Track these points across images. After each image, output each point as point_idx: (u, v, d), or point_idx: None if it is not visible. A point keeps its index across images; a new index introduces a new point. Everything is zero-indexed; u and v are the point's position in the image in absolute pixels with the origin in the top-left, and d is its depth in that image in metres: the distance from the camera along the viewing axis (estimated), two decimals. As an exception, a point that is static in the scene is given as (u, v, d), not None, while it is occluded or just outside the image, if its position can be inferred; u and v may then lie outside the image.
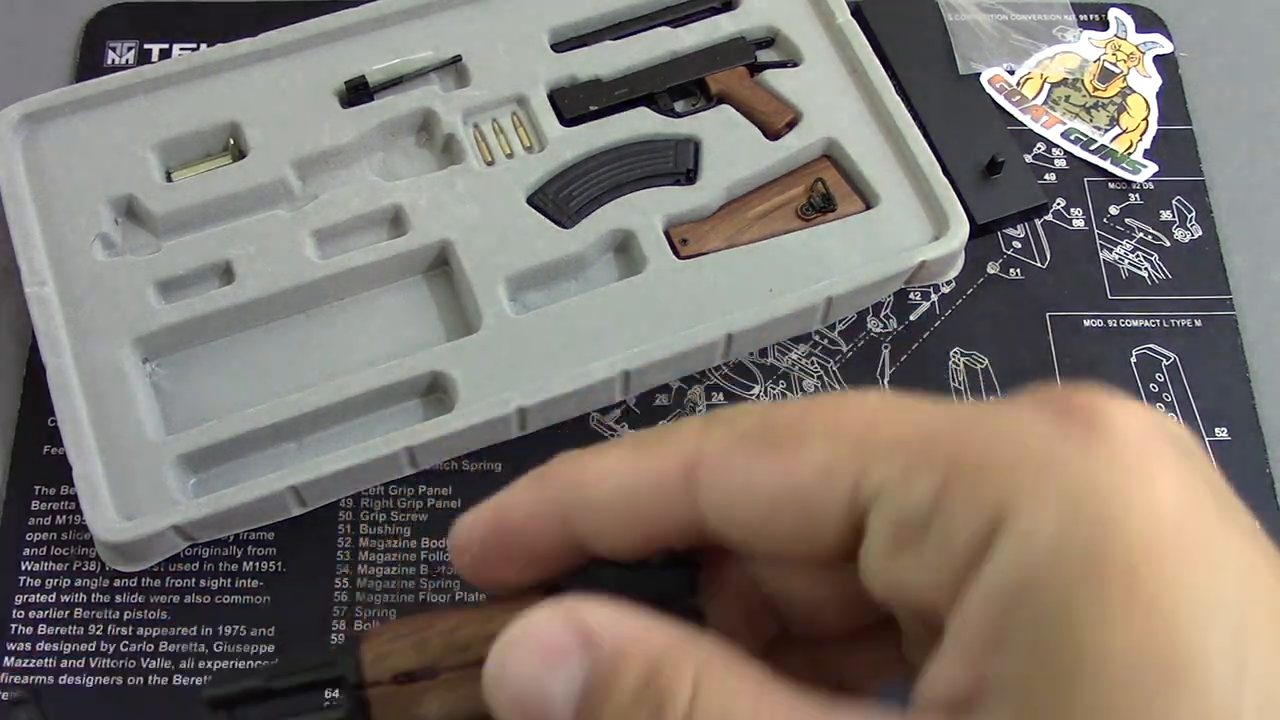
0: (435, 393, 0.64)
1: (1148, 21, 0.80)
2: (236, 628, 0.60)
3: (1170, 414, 0.67)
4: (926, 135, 0.69)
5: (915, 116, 0.70)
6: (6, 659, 0.59)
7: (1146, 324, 0.70)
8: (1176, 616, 0.19)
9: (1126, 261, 0.72)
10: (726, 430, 0.23)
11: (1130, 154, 0.75)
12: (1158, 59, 0.78)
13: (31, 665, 0.59)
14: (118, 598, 0.61)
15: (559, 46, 0.71)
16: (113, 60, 0.75)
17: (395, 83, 0.70)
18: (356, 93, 0.69)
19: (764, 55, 0.73)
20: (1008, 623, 0.20)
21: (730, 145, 0.69)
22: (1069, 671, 0.19)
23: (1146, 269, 0.72)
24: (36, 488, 0.63)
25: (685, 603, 0.24)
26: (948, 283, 0.70)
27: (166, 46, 0.75)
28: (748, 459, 0.22)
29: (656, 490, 0.23)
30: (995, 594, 0.20)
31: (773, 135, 0.69)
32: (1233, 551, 0.20)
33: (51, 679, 0.59)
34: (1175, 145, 0.75)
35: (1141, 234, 0.73)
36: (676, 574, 0.24)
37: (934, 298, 0.70)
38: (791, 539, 0.22)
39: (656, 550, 0.24)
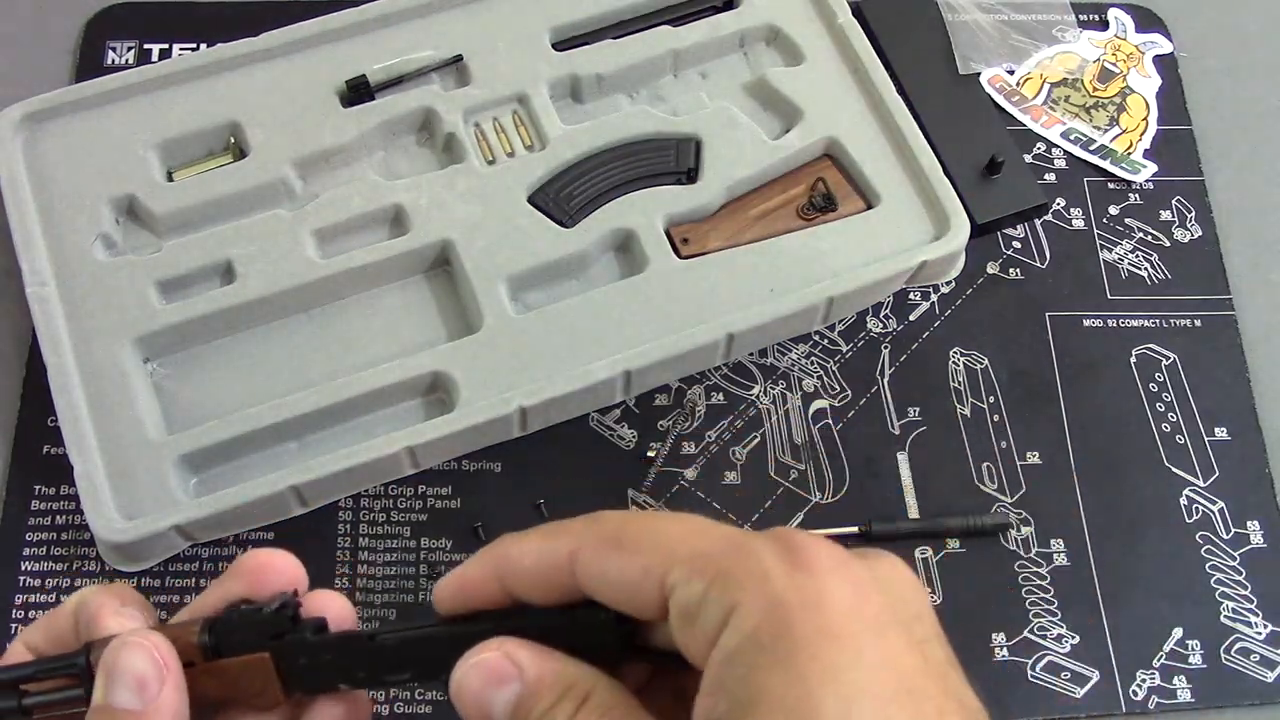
0: (436, 393, 0.64)
1: (1147, 21, 0.80)
2: (237, 627, 0.60)
3: (1170, 414, 0.68)
4: (926, 135, 0.69)
5: (915, 116, 0.70)
6: (7, 659, 0.59)
7: (1146, 324, 0.70)
8: (812, 684, 0.30)
9: (1126, 261, 0.72)
10: (597, 530, 0.35)
11: (1130, 154, 0.75)
12: (1157, 59, 0.78)
13: (32, 665, 0.59)
14: (118, 597, 0.60)
15: (560, 45, 0.71)
16: (113, 60, 0.75)
17: (396, 82, 0.70)
18: (357, 92, 0.69)
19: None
20: (723, 677, 0.31)
21: (731, 144, 0.69)
22: (746, 711, 0.30)
23: (1146, 269, 0.72)
24: (36, 488, 0.63)
25: (598, 638, 0.35)
26: (947, 283, 0.70)
27: (166, 46, 0.75)
28: (603, 555, 0.34)
29: (553, 568, 0.35)
30: (719, 660, 0.32)
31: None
32: (876, 642, 0.31)
33: (52, 679, 0.59)
34: (1175, 145, 0.76)
35: (1141, 234, 0.73)
36: (588, 614, 0.35)
37: (934, 298, 0.70)
38: (632, 608, 0.34)
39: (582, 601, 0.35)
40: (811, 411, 0.67)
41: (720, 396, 0.67)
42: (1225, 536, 0.65)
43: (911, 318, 0.70)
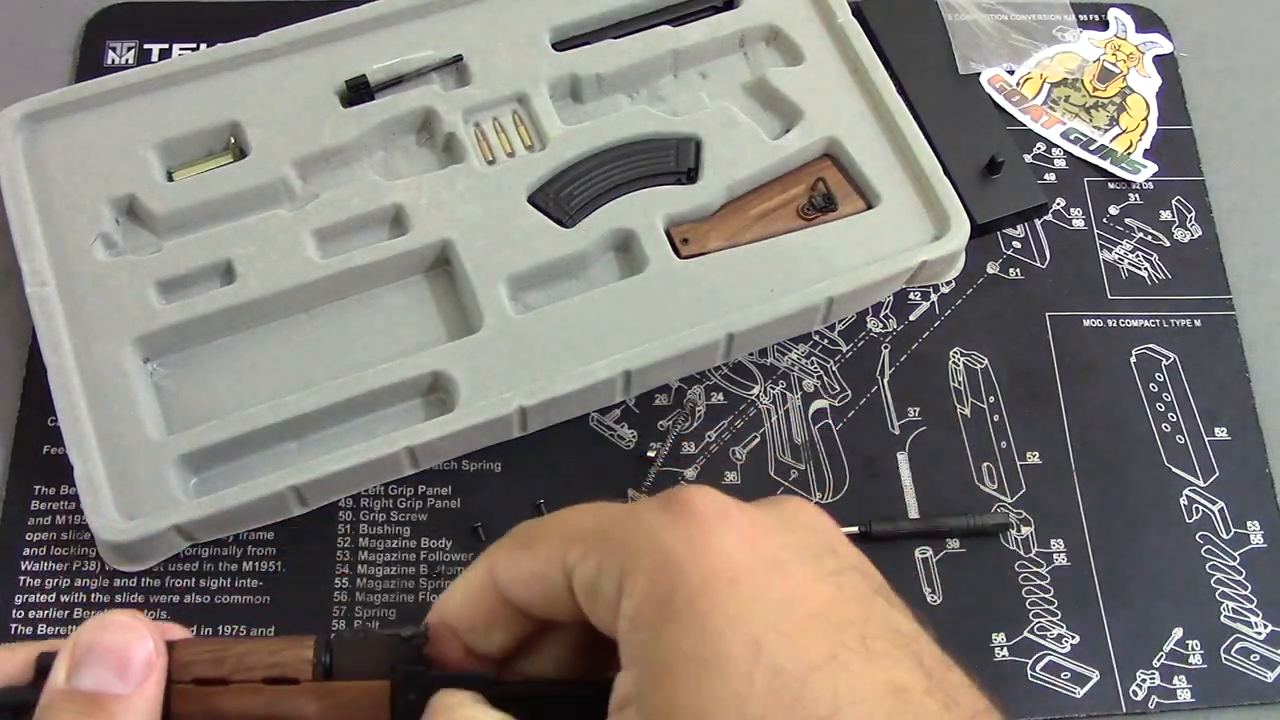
0: (436, 392, 0.64)
1: (1147, 21, 0.80)
2: (236, 628, 0.60)
3: (1170, 414, 0.68)
4: (926, 135, 0.69)
5: (915, 116, 0.70)
6: (7, 659, 0.59)
7: (1146, 324, 0.70)
8: (715, 630, 0.29)
9: (1126, 261, 0.72)
10: (509, 538, 0.35)
11: (1130, 154, 0.75)
12: (1157, 59, 0.78)
13: (32, 665, 0.59)
14: (118, 598, 0.60)
15: (560, 45, 0.71)
16: (113, 60, 0.75)
17: (396, 82, 0.70)
18: (357, 92, 0.69)
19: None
20: (631, 646, 0.31)
21: (731, 144, 0.69)
22: (656, 676, 0.30)
23: (1146, 269, 0.72)
24: (36, 488, 0.63)
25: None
26: (947, 283, 0.70)
27: (166, 46, 0.75)
28: (513, 556, 0.35)
29: (482, 588, 0.35)
30: (625, 629, 0.31)
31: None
32: (778, 578, 0.30)
33: (52, 679, 0.59)
34: (1175, 145, 0.76)
35: (1141, 234, 0.73)
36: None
37: (934, 298, 0.70)
38: (549, 604, 0.34)
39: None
40: (811, 411, 0.67)
41: (720, 396, 0.67)
42: (1225, 536, 0.65)
43: (911, 318, 0.70)
